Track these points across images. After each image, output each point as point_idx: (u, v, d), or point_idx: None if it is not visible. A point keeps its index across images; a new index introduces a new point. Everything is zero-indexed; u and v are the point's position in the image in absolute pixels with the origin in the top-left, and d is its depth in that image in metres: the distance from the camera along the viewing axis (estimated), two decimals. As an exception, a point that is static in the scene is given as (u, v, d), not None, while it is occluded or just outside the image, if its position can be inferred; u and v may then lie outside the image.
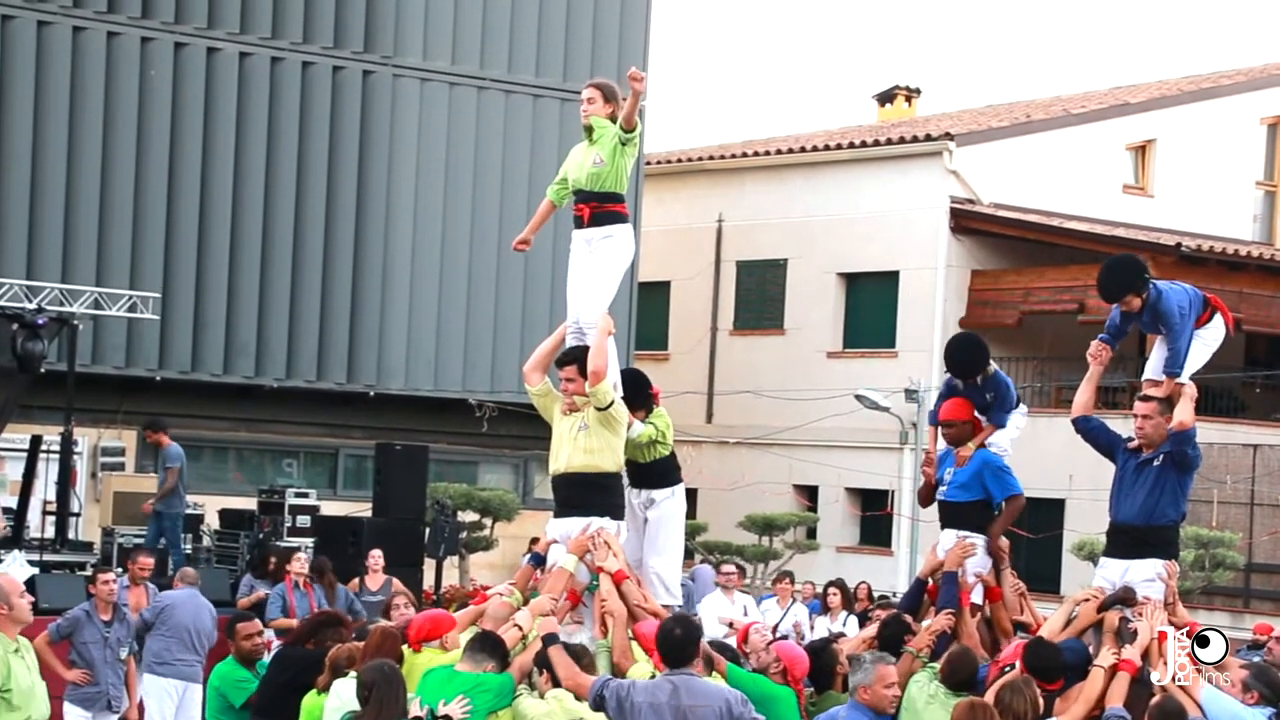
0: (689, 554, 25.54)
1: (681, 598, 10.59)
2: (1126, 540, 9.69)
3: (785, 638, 13.22)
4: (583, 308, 9.91)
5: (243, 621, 11.63)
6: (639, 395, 10.16)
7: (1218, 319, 9.86)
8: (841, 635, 13.62)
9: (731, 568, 18.16)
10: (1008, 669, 9.05)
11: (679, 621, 8.57)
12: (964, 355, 10.54)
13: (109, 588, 13.72)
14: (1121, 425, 10.00)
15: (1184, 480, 9.66)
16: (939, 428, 10.61)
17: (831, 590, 19.11)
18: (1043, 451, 22.77)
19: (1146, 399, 9.66)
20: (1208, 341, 9.88)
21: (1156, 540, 9.61)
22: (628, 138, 9.74)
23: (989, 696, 8.76)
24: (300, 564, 16.84)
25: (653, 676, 8.74)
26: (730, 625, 16.25)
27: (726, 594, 17.41)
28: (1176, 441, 9.54)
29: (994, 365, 10.52)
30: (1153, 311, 9.69)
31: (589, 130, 9.97)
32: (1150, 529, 9.58)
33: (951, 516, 10.42)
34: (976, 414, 10.48)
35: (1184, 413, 9.53)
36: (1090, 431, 9.97)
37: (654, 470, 10.13)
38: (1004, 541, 10.39)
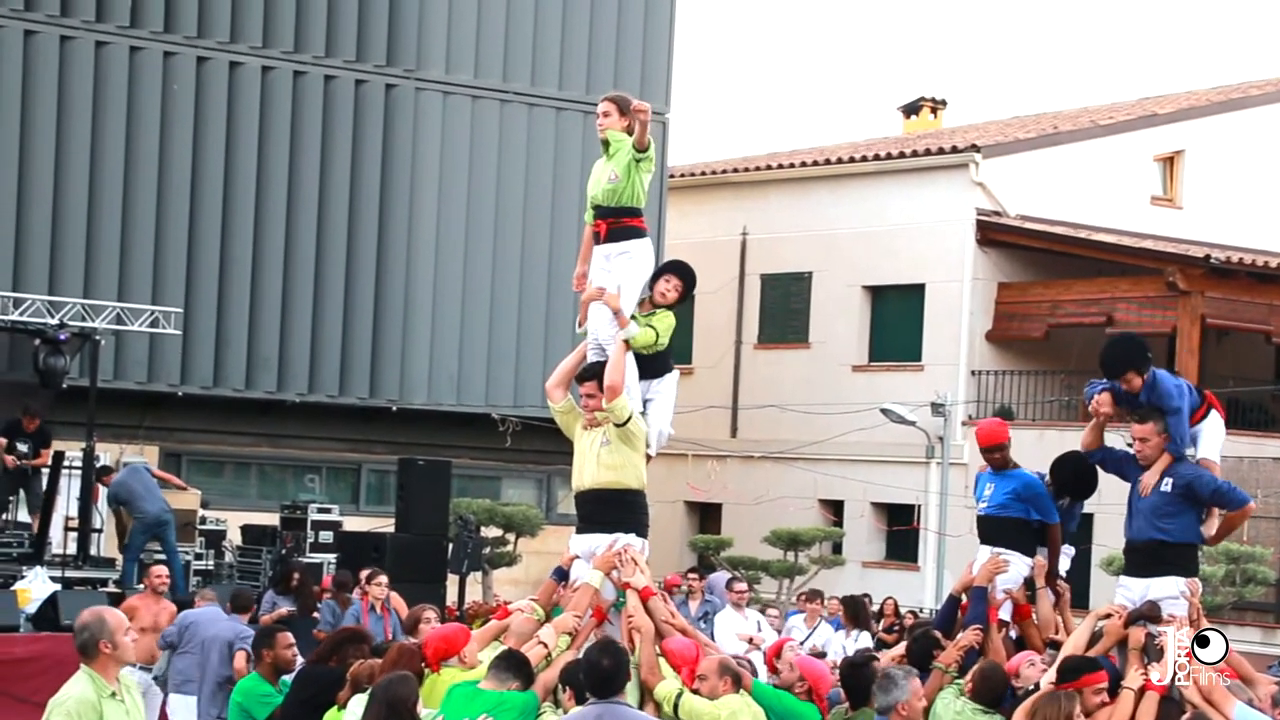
0: (711, 568, 25.41)
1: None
2: (1142, 558, 9.66)
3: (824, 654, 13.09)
4: (602, 324, 9.84)
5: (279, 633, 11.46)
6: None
7: (1214, 415, 9.81)
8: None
9: (743, 585, 18.12)
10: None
11: (606, 651, 8.38)
12: (1075, 474, 10.39)
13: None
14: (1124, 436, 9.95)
15: (1197, 510, 9.60)
16: (983, 455, 10.47)
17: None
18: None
19: (1144, 420, 9.58)
20: (1215, 436, 9.81)
21: (1172, 557, 9.56)
22: (641, 156, 9.73)
23: (1024, 708, 8.66)
24: (380, 586, 15.78)
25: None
26: (749, 641, 16.17)
27: (738, 610, 17.34)
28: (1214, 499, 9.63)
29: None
30: (1150, 390, 9.65)
31: (606, 144, 9.95)
32: (1164, 546, 9.52)
33: (990, 533, 10.30)
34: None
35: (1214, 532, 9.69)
36: (1101, 463, 10.07)
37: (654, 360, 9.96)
38: (1039, 561, 10.25)
